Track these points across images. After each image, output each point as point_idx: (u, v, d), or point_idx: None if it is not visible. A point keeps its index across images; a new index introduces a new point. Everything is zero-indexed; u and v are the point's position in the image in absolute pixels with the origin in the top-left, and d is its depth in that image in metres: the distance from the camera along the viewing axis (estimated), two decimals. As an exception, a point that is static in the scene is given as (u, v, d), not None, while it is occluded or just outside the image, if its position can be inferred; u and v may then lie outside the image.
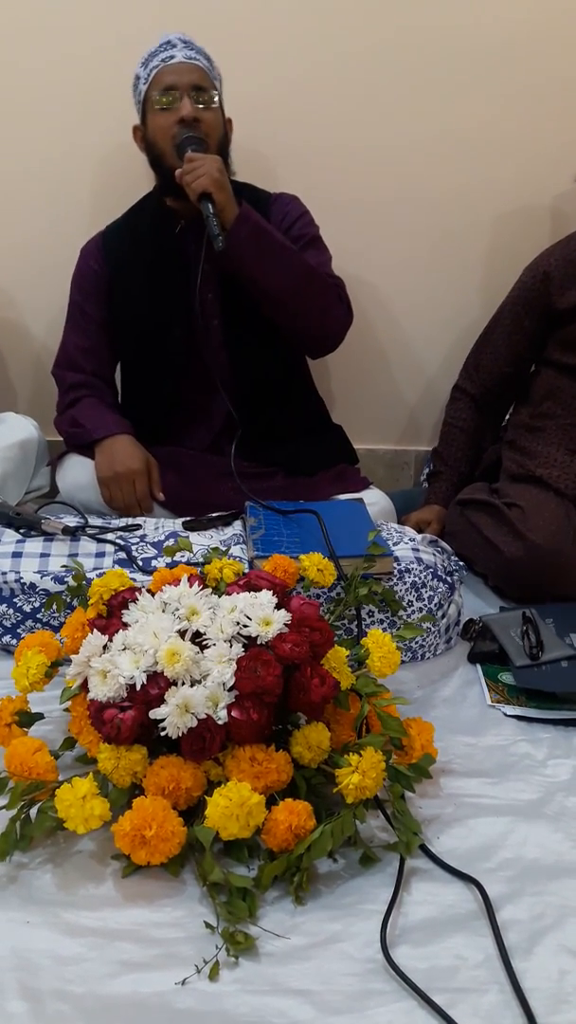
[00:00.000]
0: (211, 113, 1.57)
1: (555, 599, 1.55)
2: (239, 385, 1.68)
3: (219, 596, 1.08)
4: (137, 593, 1.10)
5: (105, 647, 1.03)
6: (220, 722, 0.96)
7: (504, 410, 1.90)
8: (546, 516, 1.57)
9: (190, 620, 1.02)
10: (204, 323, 1.65)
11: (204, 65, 1.58)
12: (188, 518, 1.54)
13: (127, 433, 1.65)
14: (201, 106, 1.55)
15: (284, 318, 1.62)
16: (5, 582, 1.34)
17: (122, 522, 1.52)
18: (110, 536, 1.44)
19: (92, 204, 1.93)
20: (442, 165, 1.94)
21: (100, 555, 1.39)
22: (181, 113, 1.53)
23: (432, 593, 1.38)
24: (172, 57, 1.55)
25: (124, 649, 1.00)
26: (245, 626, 1.01)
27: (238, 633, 1.01)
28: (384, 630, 1.24)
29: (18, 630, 1.35)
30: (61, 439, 1.77)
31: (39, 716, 1.12)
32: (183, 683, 0.97)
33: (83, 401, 1.71)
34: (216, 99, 1.58)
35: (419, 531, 1.64)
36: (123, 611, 1.07)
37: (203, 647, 1.00)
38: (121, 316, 1.71)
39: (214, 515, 1.53)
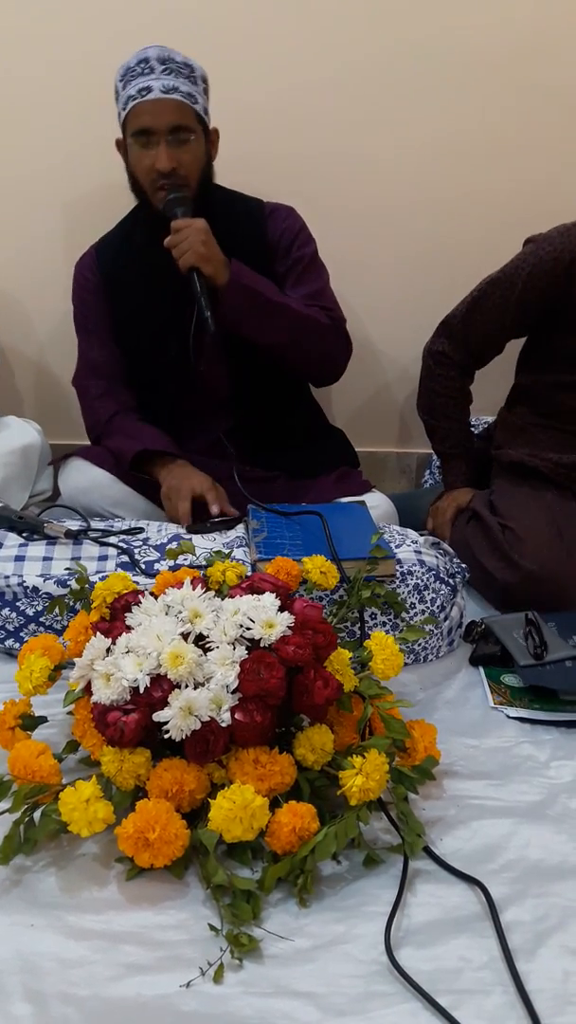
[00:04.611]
0: (189, 153, 1.52)
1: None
2: (237, 395, 1.70)
3: (222, 599, 1.08)
4: (140, 596, 1.11)
5: (108, 650, 1.03)
6: (223, 724, 0.96)
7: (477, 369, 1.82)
8: (538, 539, 1.54)
9: (193, 623, 1.02)
10: (198, 335, 1.63)
11: (183, 93, 1.49)
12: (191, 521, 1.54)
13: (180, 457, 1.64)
14: (180, 144, 1.51)
15: (284, 364, 1.64)
16: (8, 586, 1.34)
17: (125, 525, 1.52)
18: (113, 539, 1.44)
19: (94, 209, 1.94)
20: (439, 172, 1.95)
21: (103, 558, 1.39)
22: (157, 166, 1.50)
23: (435, 595, 1.38)
24: (149, 90, 1.46)
25: (127, 652, 1.00)
26: (248, 629, 1.01)
27: (241, 636, 1.01)
28: (387, 632, 1.24)
29: (21, 633, 1.35)
30: (63, 443, 1.78)
31: (42, 719, 1.12)
32: (186, 686, 0.97)
33: (115, 421, 1.69)
34: (193, 137, 1.52)
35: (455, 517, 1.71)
36: (126, 614, 1.08)
37: (206, 650, 1.00)
38: (120, 325, 1.71)
39: (216, 518, 1.54)
